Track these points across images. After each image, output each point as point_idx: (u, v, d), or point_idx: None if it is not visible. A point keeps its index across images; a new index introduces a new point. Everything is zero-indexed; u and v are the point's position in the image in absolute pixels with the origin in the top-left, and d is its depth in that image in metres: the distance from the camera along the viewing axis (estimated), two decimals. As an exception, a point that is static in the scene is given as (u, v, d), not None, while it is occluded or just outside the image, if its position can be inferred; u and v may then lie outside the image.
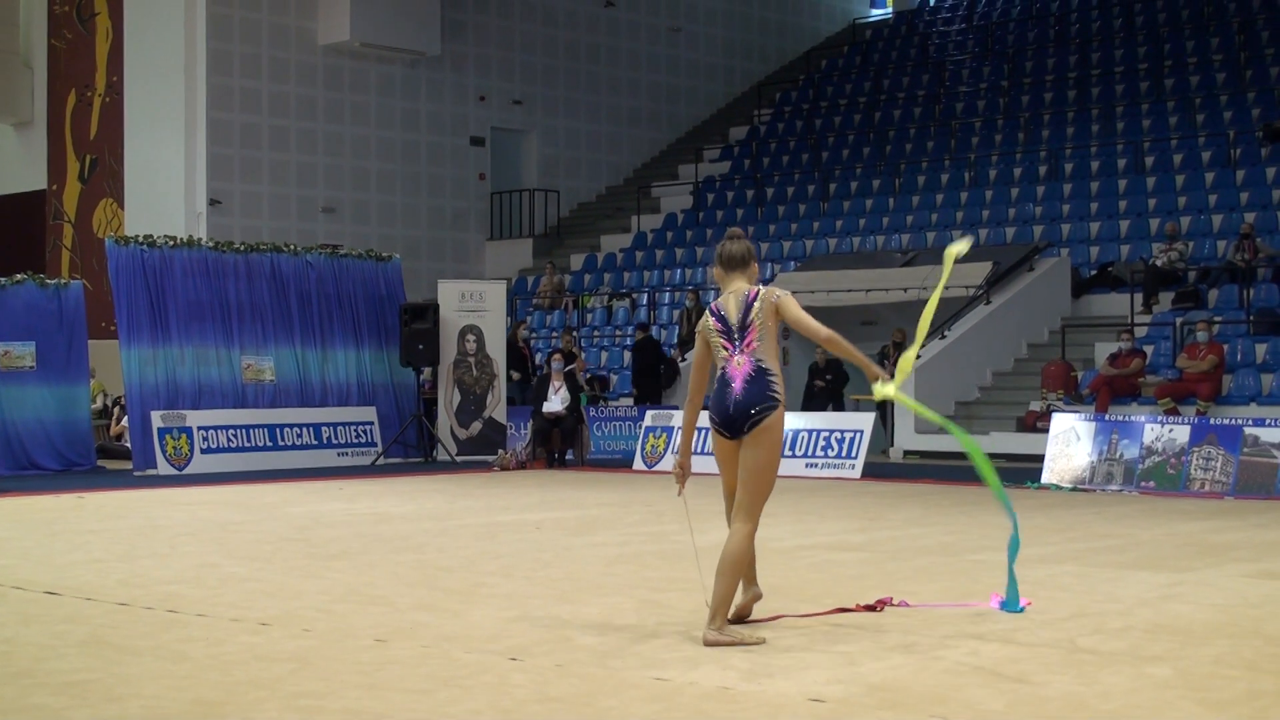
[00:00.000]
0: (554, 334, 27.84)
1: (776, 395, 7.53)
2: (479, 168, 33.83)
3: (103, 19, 31.22)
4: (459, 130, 33.43)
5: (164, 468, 20.22)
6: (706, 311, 7.86)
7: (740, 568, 7.49)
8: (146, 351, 20.84)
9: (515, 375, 24.15)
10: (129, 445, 21.59)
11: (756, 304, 7.72)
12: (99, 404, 25.42)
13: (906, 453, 22.64)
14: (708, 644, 7.21)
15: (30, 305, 21.07)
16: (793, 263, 27.58)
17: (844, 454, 19.29)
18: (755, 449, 7.48)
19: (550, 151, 35.03)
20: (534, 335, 24.66)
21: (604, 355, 27.52)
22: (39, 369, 20.98)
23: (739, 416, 7.49)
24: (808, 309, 8.08)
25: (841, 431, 19.52)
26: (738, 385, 7.56)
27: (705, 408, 7.86)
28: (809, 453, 19.66)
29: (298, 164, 30.71)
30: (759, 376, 7.55)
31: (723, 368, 7.67)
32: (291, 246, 23.32)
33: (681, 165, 35.38)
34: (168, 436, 20.46)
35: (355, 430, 22.54)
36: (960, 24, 38.42)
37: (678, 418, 21.14)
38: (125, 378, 20.92)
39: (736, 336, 7.68)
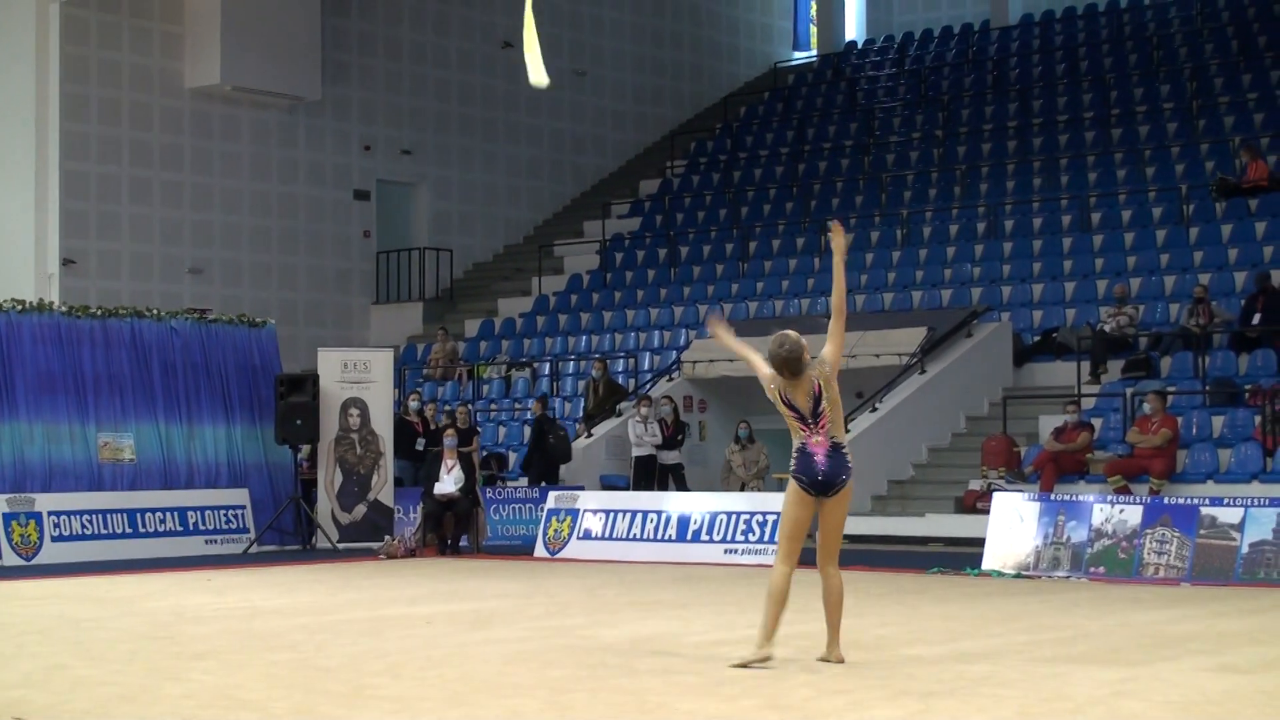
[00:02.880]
0: (447, 407, 27.79)
1: (851, 465, 10.31)
2: (363, 224, 33.79)
3: (-56, 58, 30.98)
4: (341, 182, 33.39)
5: (9, 558, 19.94)
6: (776, 389, 10.24)
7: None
8: (-11, 428, 20.62)
9: (421, 447, 23.79)
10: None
11: (822, 393, 10.25)
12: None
13: (835, 537, 22.66)
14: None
15: None
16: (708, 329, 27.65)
17: (766, 538, 19.30)
18: (840, 508, 10.43)
19: (442, 206, 35.06)
20: (425, 406, 24.62)
21: (502, 430, 27.48)
22: None
23: (829, 483, 10.20)
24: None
25: (764, 514, 19.55)
26: (821, 459, 10.21)
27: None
28: (728, 537, 19.69)
29: (161, 219, 30.52)
30: (835, 452, 10.28)
31: (803, 442, 10.24)
32: (154, 311, 23.17)
33: (587, 221, 35.52)
34: (14, 523, 20.18)
35: (225, 515, 22.33)
36: (890, 68, 38.96)
37: (583, 499, 21.14)
38: (-34, 457, 20.64)
39: (811, 421, 10.25)
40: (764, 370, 10.31)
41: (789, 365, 10.15)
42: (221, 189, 31.41)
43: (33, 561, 20.04)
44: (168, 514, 21.79)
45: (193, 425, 22.58)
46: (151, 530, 21.53)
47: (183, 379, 22.62)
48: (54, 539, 20.49)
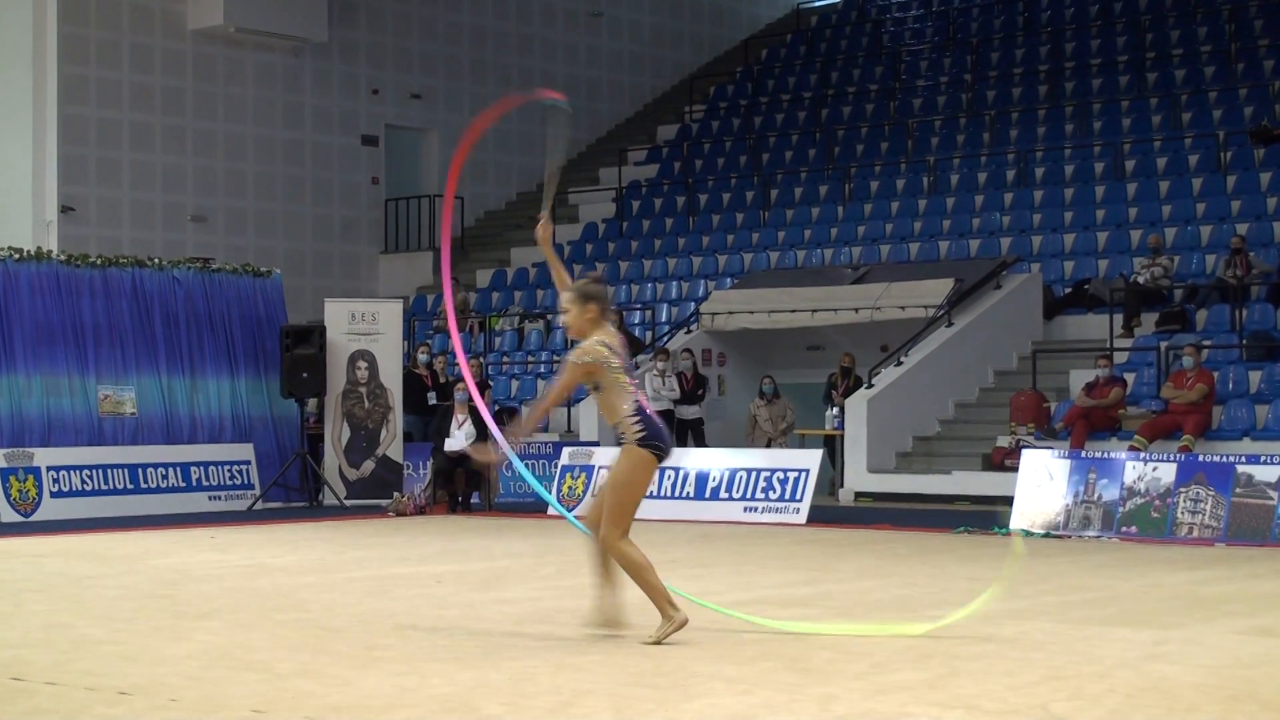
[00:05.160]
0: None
1: None
2: (372, 171, 33.76)
3: (-62, -1, 30.94)
4: (349, 128, 33.36)
5: (7, 514, 20.00)
6: (599, 346, 9.50)
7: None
8: (-13, 381, 20.67)
9: (432, 401, 23.77)
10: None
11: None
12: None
13: (858, 495, 22.76)
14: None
15: None
16: (729, 279, 27.69)
17: (787, 496, 19.34)
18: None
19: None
20: (435, 359, 24.61)
21: (515, 384, 27.51)
22: None
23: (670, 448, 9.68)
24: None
25: (785, 471, 19.58)
26: (660, 420, 9.72)
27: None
28: (748, 495, 19.72)
29: (163, 166, 30.53)
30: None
31: (638, 402, 9.55)
32: (156, 260, 23.17)
33: (603, 169, 35.48)
34: (12, 478, 20.24)
35: (229, 470, 22.39)
36: (918, 9, 38.77)
37: (598, 455, 21.16)
38: (-37, 410, 20.71)
39: (634, 377, 9.69)
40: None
41: (607, 298, 9.76)
42: (225, 134, 31.40)
43: (31, 518, 20.10)
44: (170, 469, 21.84)
45: (196, 378, 22.61)
46: (154, 486, 21.58)
47: (185, 330, 22.64)
48: (53, 494, 20.56)
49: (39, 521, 19.88)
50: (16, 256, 21.40)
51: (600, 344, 9.50)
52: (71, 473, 20.86)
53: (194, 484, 21.97)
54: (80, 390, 21.52)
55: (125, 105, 29.98)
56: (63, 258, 22.08)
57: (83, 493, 20.87)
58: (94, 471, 21.10)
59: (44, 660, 8.91)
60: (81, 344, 21.61)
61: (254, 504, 22.15)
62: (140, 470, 21.55)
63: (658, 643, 9.33)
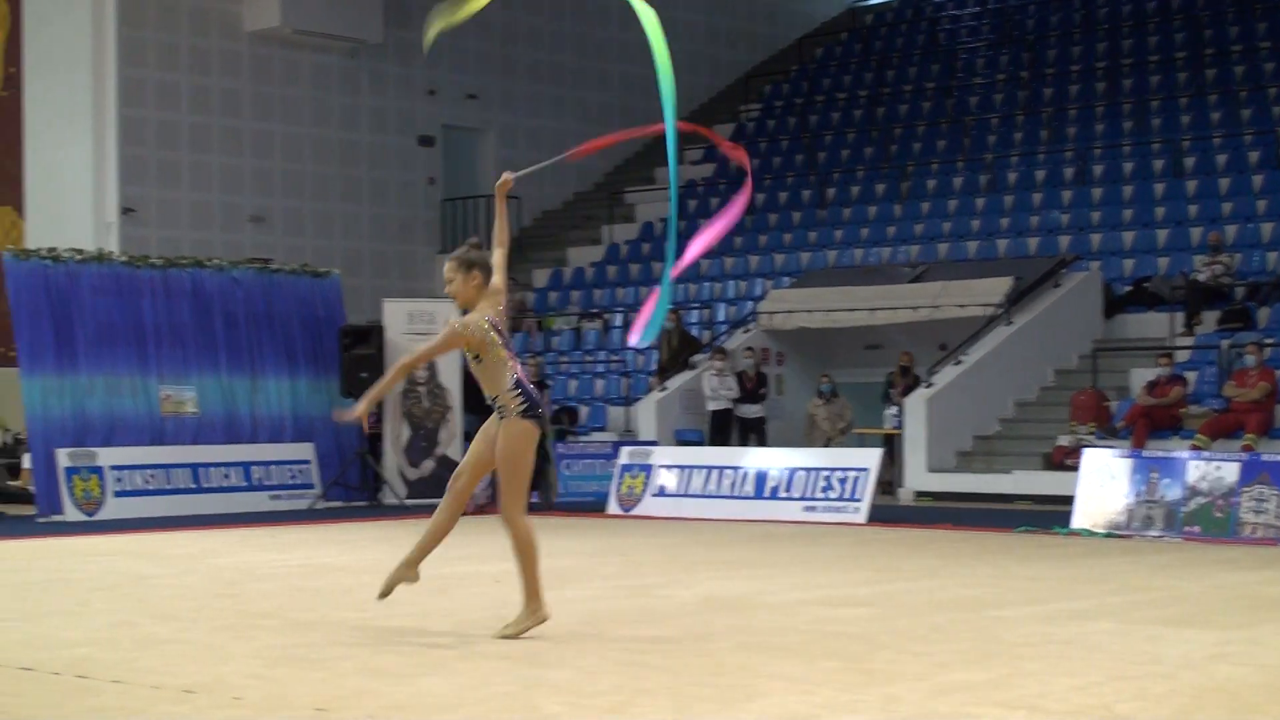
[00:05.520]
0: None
1: None
2: (428, 171, 33.85)
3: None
4: (405, 129, 33.46)
5: (72, 513, 20.15)
6: (482, 321, 9.57)
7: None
8: (51, 380, 20.77)
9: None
10: (31, 488, 21.51)
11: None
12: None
13: (918, 494, 22.69)
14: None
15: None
16: (786, 279, 27.66)
17: (846, 495, 19.30)
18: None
19: (509, 153, 35.04)
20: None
21: (572, 384, 27.54)
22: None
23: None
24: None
25: (844, 470, 19.53)
26: (537, 394, 9.94)
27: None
28: (807, 494, 19.68)
29: (221, 166, 30.70)
30: None
31: (517, 375, 9.68)
32: (216, 261, 23.30)
33: (659, 168, 35.46)
34: (76, 477, 20.39)
35: (290, 470, 22.49)
36: (974, 6, 38.61)
37: (657, 454, 21.17)
38: (27, 411, 20.84)
39: (512, 345, 9.81)
40: (496, 280, 9.78)
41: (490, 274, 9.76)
42: (282, 135, 31.53)
43: (95, 517, 20.24)
44: (231, 469, 21.95)
45: (256, 378, 22.71)
46: (215, 485, 21.70)
47: (245, 330, 22.75)
48: (116, 494, 20.69)
49: (103, 521, 20.01)
50: (78, 258, 21.55)
51: (484, 320, 9.58)
52: (134, 472, 20.99)
53: (255, 483, 22.07)
54: (141, 390, 21.64)
55: (184, 107, 30.15)
56: (124, 259, 22.22)
57: (145, 492, 21.00)
58: (156, 471, 21.22)
59: (109, 658, 8.96)
60: (143, 344, 21.73)
61: (314, 504, 22.23)
62: (202, 470, 21.66)
63: (514, 637, 9.51)
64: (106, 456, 20.79)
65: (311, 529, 18.94)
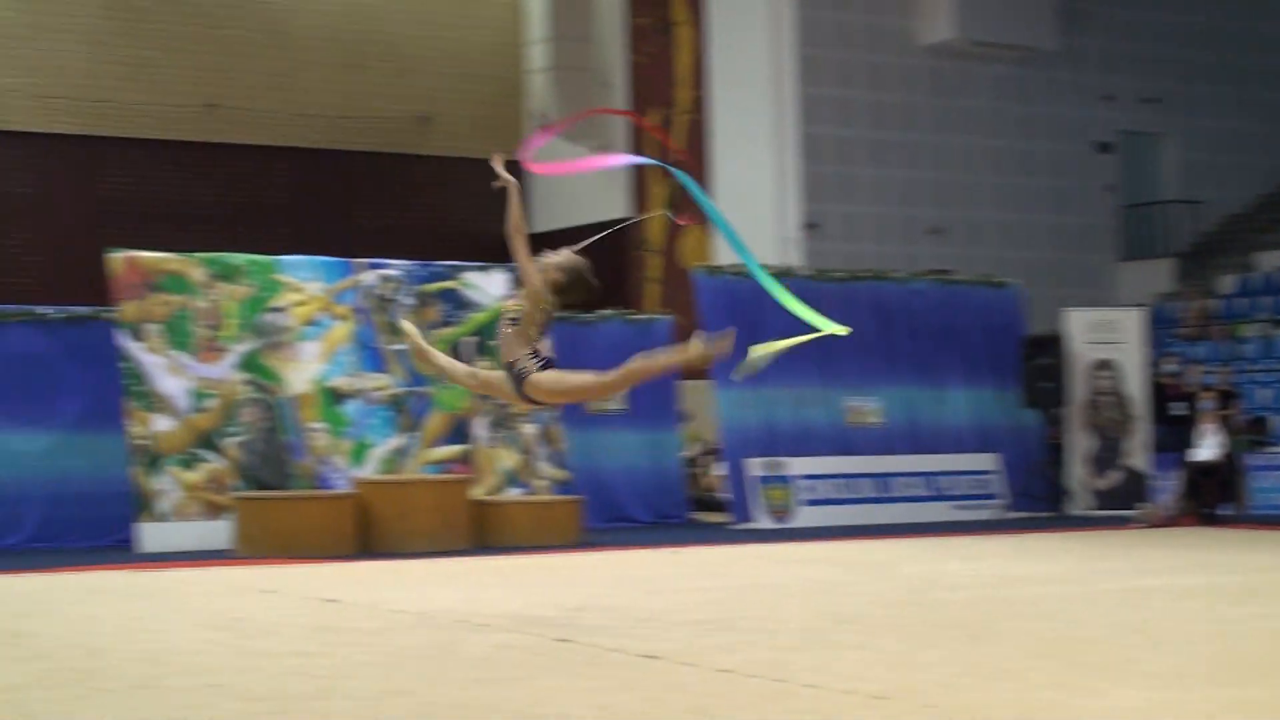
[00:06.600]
0: (1202, 369, 27.01)
1: None
2: (1106, 178, 33.24)
3: (684, 29, 32.40)
4: (1081, 135, 32.94)
5: (764, 520, 20.79)
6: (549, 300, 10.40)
7: None
8: (744, 393, 21.46)
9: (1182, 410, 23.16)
10: (720, 496, 22.33)
11: None
12: (693, 450, 26.35)
13: None
14: None
15: (616, 342, 21.99)
16: None
17: None
18: None
19: (1192, 156, 34.02)
20: (1184, 368, 23.99)
21: (1264, 393, 26.51)
22: (629, 412, 21.90)
23: None
24: None
25: None
26: None
27: None
28: None
29: (900, 180, 31.01)
30: None
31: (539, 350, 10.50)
32: (896, 273, 23.54)
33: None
34: (767, 486, 21.04)
35: (973, 480, 22.51)
36: None
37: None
38: (721, 421, 21.64)
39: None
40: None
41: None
42: (959, 147, 31.59)
43: (784, 524, 20.82)
44: (915, 478, 22.16)
45: (938, 388, 22.84)
46: (899, 495, 21.96)
47: (926, 341, 22.92)
48: (804, 502, 21.22)
49: (791, 528, 20.57)
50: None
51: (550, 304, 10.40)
52: (822, 482, 21.48)
53: (939, 493, 22.21)
54: (826, 402, 22.12)
55: (862, 123, 30.61)
56: (808, 272, 22.75)
57: (833, 501, 21.46)
58: (843, 481, 21.66)
59: (802, 662, 9.16)
60: (827, 356, 22.19)
61: (999, 514, 22.16)
62: (887, 479, 21.96)
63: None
64: (795, 466, 21.37)
65: (996, 539, 18.91)
